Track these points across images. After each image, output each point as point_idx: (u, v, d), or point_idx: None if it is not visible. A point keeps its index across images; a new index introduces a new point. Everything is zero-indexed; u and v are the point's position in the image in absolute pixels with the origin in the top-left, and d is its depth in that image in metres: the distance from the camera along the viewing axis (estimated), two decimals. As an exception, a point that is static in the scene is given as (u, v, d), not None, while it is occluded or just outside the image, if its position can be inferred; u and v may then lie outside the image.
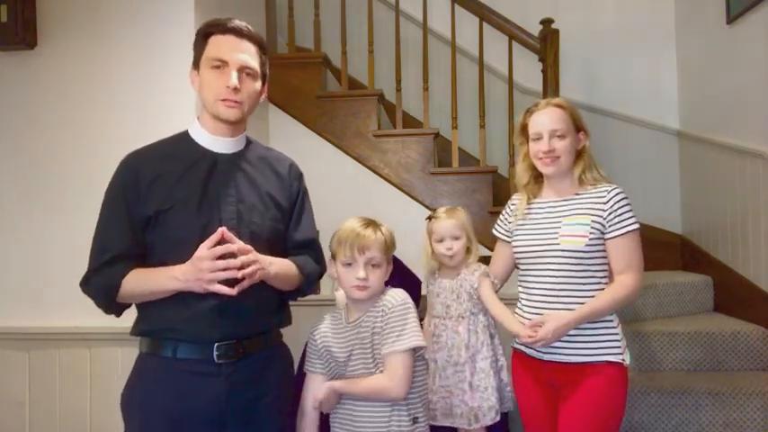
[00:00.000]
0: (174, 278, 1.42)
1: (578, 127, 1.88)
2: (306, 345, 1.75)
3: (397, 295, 1.60)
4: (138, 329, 1.53)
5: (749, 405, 2.39)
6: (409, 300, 1.61)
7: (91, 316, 1.71)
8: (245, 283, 1.41)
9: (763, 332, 2.68)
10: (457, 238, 2.01)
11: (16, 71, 2.51)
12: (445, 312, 2.00)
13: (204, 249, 1.39)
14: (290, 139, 3.19)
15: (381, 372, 1.55)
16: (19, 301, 2.48)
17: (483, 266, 2.03)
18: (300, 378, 1.73)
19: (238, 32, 1.52)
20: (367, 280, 1.55)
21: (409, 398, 1.57)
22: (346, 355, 1.60)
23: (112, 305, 1.50)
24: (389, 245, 1.61)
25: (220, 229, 1.40)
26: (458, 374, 1.96)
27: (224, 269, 1.38)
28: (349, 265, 1.57)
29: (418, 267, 2.24)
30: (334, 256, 1.62)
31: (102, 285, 1.47)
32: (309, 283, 1.64)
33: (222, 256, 1.39)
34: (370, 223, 1.60)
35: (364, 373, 1.57)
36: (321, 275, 1.72)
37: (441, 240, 2.01)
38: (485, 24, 3.25)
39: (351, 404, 1.59)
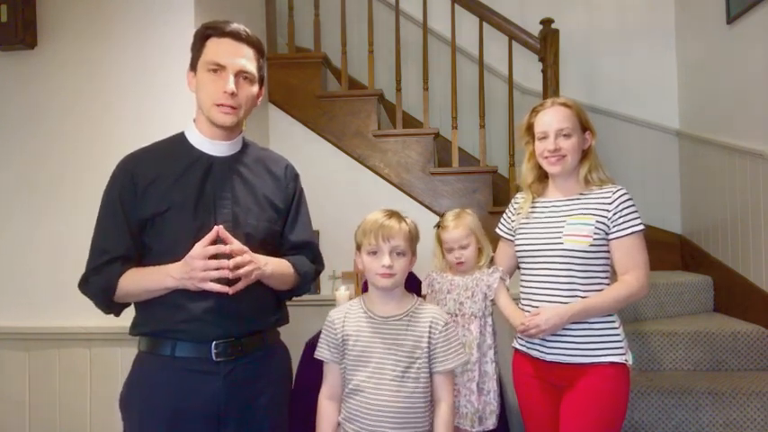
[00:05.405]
0: (168, 276, 1.43)
1: (585, 126, 1.87)
2: (308, 341, 1.74)
3: (440, 309, 1.69)
4: (136, 330, 1.53)
5: (749, 405, 2.39)
6: None
7: (90, 316, 1.71)
8: (241, 285, 1.42)
9: (763, 332, 2.68)
10: (466, 247, 1.97)
11: (16, 71, 2.51)
12: (458, 309, 1.96)
13: (198, 248, 1.39)
14: (290, 138, 3.20)
15: (410, 376, 1.54)
16: (19, 301, 2.47)
17: (500, 268, 1.99)
18: (303, 374, 1.72)
19: (236, 36, 1.51)
20: (392, 267, 1.55)
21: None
22: (373, 348, 1.57)
23: (111, 305, 1.52)
24: (413, 235, 1.62)
25: (216, 228, 1.41)
26: (467, 373, 1.92)
27: (216, 269, 1.38)
28: (374, 253, 1.57)
29: (417, 268, 2.24)
30: (359, 248, 1.62)
31: (99, 286, 1.48)
32: (305, 282, 1.64)
33: (216, 256, 1.39)
34: (394, 214, 1.61)
35: (392, 373, 1.54)
36: (317, 275, 1.73)
37: (450, 250, 1.98)
38: (485, 24, 3.25)
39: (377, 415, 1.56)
